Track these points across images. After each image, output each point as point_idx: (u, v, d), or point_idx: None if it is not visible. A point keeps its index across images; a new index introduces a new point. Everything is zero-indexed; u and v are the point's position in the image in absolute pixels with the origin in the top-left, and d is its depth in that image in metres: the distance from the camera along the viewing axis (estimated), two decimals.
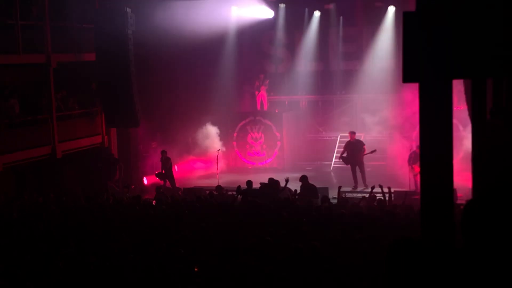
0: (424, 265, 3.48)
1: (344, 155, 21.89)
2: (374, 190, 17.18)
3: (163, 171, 22.34)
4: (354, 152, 21.69)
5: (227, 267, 11.00)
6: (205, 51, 24.82)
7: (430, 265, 3.50)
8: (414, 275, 3.47)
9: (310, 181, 18.95)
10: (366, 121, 25.69)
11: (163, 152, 22.64)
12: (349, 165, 21.89)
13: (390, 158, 23.96)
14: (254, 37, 27.33)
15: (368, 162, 24.99)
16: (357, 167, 21.73)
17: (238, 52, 26.77)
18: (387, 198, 16.81)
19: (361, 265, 10.77)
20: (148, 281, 10.58)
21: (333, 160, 25.44)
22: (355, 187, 21.44)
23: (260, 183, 18.57)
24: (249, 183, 18.39)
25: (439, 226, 4.12)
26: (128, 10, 21.52)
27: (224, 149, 24.50)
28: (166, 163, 22.40)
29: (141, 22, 22.41)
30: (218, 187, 19.11)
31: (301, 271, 10.62)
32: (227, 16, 26.52)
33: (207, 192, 18.92)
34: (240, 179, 23.26)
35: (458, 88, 19.69)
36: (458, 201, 14.84)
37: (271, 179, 18.40)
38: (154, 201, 18.15)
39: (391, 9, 26.06)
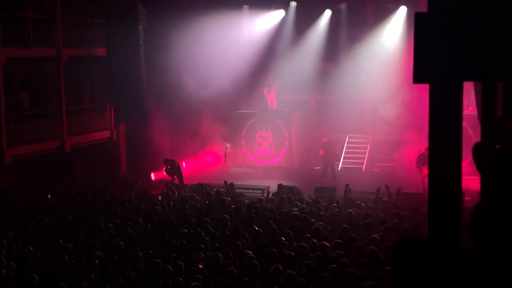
0: (430, 265, 3.46)
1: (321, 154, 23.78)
2: (381, 192, 17.15)
3: (175, 176, 22.05)
4: (327, 151, 23.63)
5: (231, 264, 11.00)
6: (216, 49, 24.80)
7: (436, 266, 3.49)
8: (420, 275, 3.46)
9: (318, 181, 19.03)
10: (374, 122, 25.62)
11: (165, 162, 22.29)
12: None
13: (399, 160, 23.89)
14: (264, 35, 27.27)
15: (377, 163, 24.96)
16: (329, 166, 23.62)
17: (248, 50, 26.70)
18: (393, 199, 16.77)
19: (368, 264, 10.75)
20: (153, 277, 10.59)
21: (341, 160, 25.40)
22: (324, 182, 22.61)
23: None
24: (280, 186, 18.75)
25: (447, 228, 4.10)
26: (140, 5, 21.54)
27: (230, 146, 24.40)
28: (172, 171, 22.13)
29: (153, 18, 22.44)
30: (231, 185, 19.10)
31: (308, 269, 10.61)
32: (238, 15, 26.50)
33: (215, 189, 18.93)
34: (248, 177, 23.32)
35: (468, 90, 19.59)
36: (466, 204, 14.77)
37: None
38: (160, 197, 18.15)
39: (403, 10, 25.96)
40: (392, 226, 13.62)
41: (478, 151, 5.33)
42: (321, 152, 23.70)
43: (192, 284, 9.81)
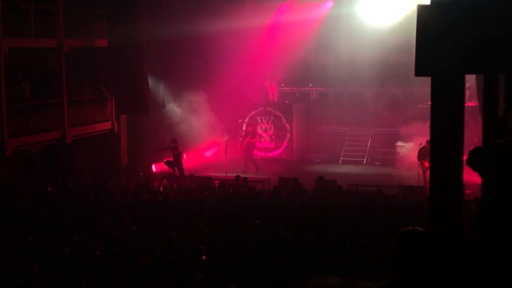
0: (431, 257, 3.47)
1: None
2: (382, 185, 17.19)
3: (172, 159, 22.40)
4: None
5: (234, 256, 11.03)
6: (217, 41, 24.74)
7: (437, 258, 3.50)
8: (420, 265, 3.46)
9: (318, 174, 19.06)
10: (375, 115, 25.63)
11: (173, 141, 22.65)
12: None
13: (400, 153, 23.86)
14: (266, 28, 27.20)
15: (378, 156, 24.96)
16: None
17: (250, 42, 26.64)
18: (395, 193, 16.81)
19: (368, 256, 10.77)
20: (155, 268, 10.61)
21: (342, 153, 25.42)
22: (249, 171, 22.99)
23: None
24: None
25: (447, 221, 4.10)
26: None
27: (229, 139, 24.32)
28: (174, 151, 22.40)
29: (154, 10, 22.40)
30: (237, 177, 19.15)
31: (308, 261, 10.63)
32: (241, 6, 26.44)
33: (217, 182, 18.95)
34: (248, 170, 23.31)
35: (470, 83, 19.54)
36: (467, 198, 14.76)
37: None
38: (161, 188, 18.17)
39: (405, 2, 25.83)
40: (393, 219, 13.63)
41: (476, 157, 5.31)
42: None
43: (195, 275, 9.82)
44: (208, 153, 25.57)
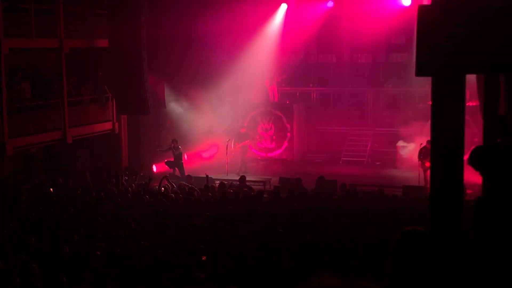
0: (431, 257, 3.47)
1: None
2: (383, 185, 17.20)
3: (172, 159, 22.45)
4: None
5: (234, 256, 11.02)
6: (218, 41, 24.74)
7: (437, 258, 3.50)
8: (420, 265, 3.47)
9: (319, 174, 19.05)
10: (375, 114, 25.64)
11: (174, 141, 22.68)
12: None
13: (401, 153, 23.87)
14: (267, 28, 27.21)
15: (379, 156, 24.96)
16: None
17: (250, 42, 26.64)
18: (395, 193, 16.81)
19: (369, 257, 10.77)
20: (155, 268, 10.61)
21: (343, 153, 25.41)
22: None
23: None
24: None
25: (448, 221, 4.10)
26: None
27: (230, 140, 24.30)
28: (175, 151, 22.44)
29: (156, 10, 22.43)
30: (242, 177, 19.11)
31: (309, 261, 10.62)
32: (242, 6, 26.44)
33: (217, 182, 18.94)
34: (249, 170, 23.33)
35: (471, 83, 19.54)
36: (467, 197, 14.74)
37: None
38: (162, 188, 18.17)
39: (406, 2, 25.86)
40: (394, 219, 13.63)
41: (477, 157, 5.31)
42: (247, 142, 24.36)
43: (195, 275, 9.82)
44: (206, 154, 25.56)
